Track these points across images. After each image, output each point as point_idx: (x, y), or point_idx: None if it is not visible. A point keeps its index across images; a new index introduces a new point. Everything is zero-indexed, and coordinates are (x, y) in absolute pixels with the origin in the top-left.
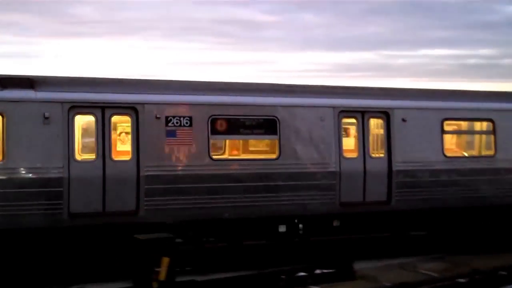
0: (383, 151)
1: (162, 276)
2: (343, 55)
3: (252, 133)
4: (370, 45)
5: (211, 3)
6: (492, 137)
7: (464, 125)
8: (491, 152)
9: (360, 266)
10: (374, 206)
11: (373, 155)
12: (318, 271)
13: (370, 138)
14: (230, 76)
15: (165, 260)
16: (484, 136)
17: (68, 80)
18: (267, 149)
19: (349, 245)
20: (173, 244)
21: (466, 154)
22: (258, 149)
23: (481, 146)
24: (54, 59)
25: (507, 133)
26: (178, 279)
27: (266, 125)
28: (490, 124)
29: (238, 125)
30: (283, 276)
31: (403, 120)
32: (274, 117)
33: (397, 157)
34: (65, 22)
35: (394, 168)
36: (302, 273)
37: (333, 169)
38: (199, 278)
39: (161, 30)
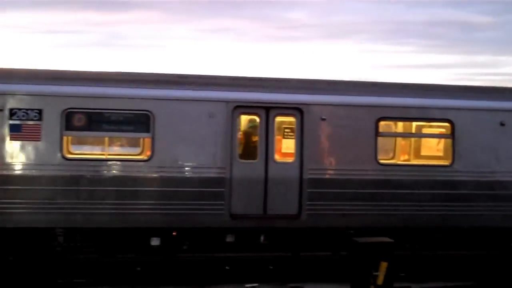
0: (293, 156)
1: (380, 280)
2: None
3: (119, 130)
4: None
5: (424, 5)
6: (449, 142)
7: (409, 126)
8: (446, 161)
9: None
10: (279, 221)
11: (278, 159)
12: None
13: (276, 139)
14: (441, 79)
15: (384, 265)
16: (438, 141)
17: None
18: (140, 148)
19: (241, 265)
20: (392, 248)
21: (409, 163)
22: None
23: (433, 153)
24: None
25: (470, 138)
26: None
27: (136, 121)
28: (448, 126)
29: (100, 120)
30: None
31: (322, 118)
32: (146, 112)
33: (310, 163)
34: (279, 26)
35: (306, 176)
36: None
37: (220, 175)
38: (414, 286)
39: (371, 33)
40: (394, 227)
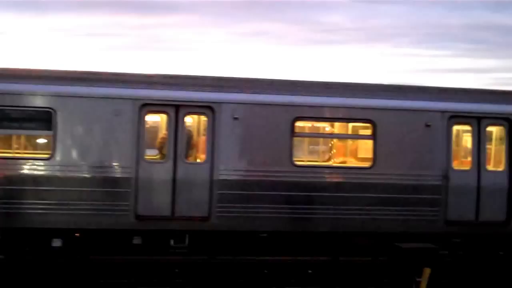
0: (203, 156)
1: (423, 287)
2: None
3: (20, 128)
4: None
5: (464, 8)
6: (370, 143)
7: (327, 126)
8: (366, 163)
9: None
10: (189, 223)
11: (188, 160)
12: None
13: (186, 139)
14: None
15: (427, 271)
16: (358, 142)
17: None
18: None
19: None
20: (436, 254)
21: (327, 164)
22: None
23: (353, 154)
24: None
25: (392, 139)
26: None
27: (39, 118)
28: (369, 126)
29: (2, 117)
30: None
31: (235, 118)
32: (49, 109)
33: (220, 164)
34: (317, 30)
35: (216, 176)
36: None
37: (125, 175)
38: None
39: (410, 36)
40: (310, 232)
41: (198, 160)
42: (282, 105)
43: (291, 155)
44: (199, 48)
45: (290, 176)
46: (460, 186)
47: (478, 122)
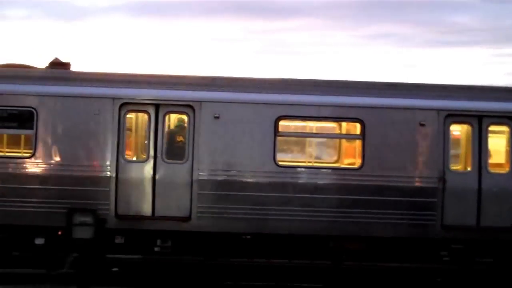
0: (183, 156)
1: None
2: None
3: (4, 127)
4: None
5: None
6: (359, 143)
7: (313, 126)
8: (355, 164)
9: None
10: (169, 223)
11: (169, 159)
12: None
13: (166, 138)
14: None
15: None
16: (346, 142)
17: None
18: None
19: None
20: None
21: (312, 165)
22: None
23: (341, 155)
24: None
25: (381, 139)
26: None
27: (21, 118)
28: (357, 125)
29: None
30: None
31: (215, 117)
32: (30, 109)
33: (201, 164)
34: (443, 31)
35: (196, 177)
36: None
37: (105, 174)
38: None
39: None
40: (292, 234)
41: (178, 160)
42: (265, 104)
43: (274, 154)
44: (322, 52)
45: (269, 177)
46: (458, 188)
47: (479, 121)
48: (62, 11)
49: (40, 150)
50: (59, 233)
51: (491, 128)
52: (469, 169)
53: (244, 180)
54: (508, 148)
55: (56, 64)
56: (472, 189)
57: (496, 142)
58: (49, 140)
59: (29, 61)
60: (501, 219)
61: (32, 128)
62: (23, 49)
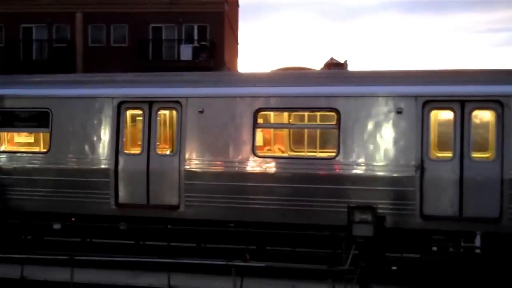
0: (173, 148)
1: None
2: None
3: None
4: None
5: None
6: (335, 133)
7: (290, 117)
8: (331, 153)
9: None
10: (162, 211)
11: (160, 152)
12: None
13: (158, 132)
14: None
15: None
16: (323, 132)
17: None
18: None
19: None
20: None
21: (289, 155)
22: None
23: (318, 144)
24: None
25: (358, 128)
26: None
27: (38, 118)
28: (333, 115)
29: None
30: None
31: (200, 111)
32: (46, 110)
33: (187, 155)
34: None
35: (182, 167)
36: None
37: (105, 166)
38: None
39: None
40: (270, 222)
41: (168, 152)
42: (244, 97)
43: (253, 146)
44: None
45: (249, 167)
46: (438, 177)
47: (461, 106)
48: (332, 12)
49: (54, 146)
50: (73, 219)
51: (475, 113)
52: (450, 156)
53: (225, 170)
54: (493, 134)
55: (332, 65)
56: (454, 178)
57: (480, 128)
58: (63, 138)
59: (306, 63)
60: (487, 209)
61: (48, 127)
62: (300, 52)
